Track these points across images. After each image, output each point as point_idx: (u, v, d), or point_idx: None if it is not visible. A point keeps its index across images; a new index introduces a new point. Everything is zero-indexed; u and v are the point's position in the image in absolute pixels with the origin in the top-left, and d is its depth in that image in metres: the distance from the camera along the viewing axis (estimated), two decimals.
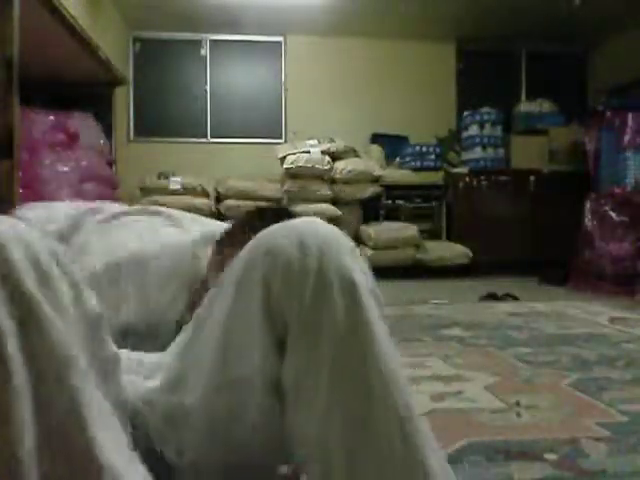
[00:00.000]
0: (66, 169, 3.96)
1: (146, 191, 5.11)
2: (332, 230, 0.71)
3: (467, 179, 5.32)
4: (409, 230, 5.03)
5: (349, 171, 5.17)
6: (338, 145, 5.29)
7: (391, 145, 5.80)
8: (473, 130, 5.39)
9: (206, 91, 5.93)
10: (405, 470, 0.61)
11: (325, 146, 5.22)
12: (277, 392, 0.68)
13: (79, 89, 4.72)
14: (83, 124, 4.34)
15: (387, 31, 5.85)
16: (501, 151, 5.39)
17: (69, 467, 0.50)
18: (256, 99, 5.99)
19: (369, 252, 4.86)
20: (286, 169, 5.13)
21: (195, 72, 5.93)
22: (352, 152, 5.40)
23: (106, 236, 1.08)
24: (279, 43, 6.02)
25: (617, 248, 4.03)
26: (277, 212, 0.96)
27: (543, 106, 5.69)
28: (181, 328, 0.85)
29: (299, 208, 4.90)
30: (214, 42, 5.94)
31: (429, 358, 1.99)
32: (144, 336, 0.94)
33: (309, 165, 5.08)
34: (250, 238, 0.73)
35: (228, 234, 1.04)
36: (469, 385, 1.65)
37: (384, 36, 5.93)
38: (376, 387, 0.63)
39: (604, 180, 4.65)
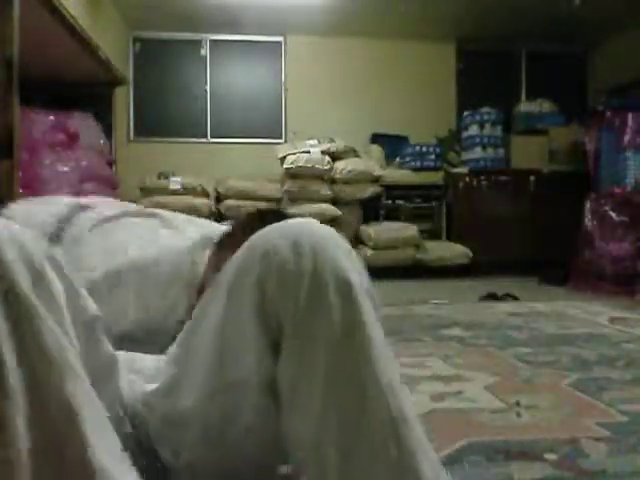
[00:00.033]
0: (66, 169, 3.96)
1: (146, 191, 5.10)
2: (327, 231, 0.70)
3: (467, 179, 5.32)
4: (409, 230, 5.03)
5: (349, 171, 5.17)
6: (338, 145, 5.29)
7: (391, 145, 5.80)
8: (473, 130, 5.39)
9: (206, 91, 5.93)
10: (397, 474, 0.61)
11: (325, 146, 5.22)
12: (272, 393, 0.67)
13: (79, 89, 4.72)
14: (83, 124, 4.34)
15: (387, 31, 5.85)
16: (501, 151, 5.39)
17: (62, 470, 0.50)
18: (256, 99, 5.99)
19: (369, 252, 4.86)
20: (286, 169, 5.13)
21: (195, 72, 5.93)
22: (352, 152, 5.40)
23: (105, 238, 1.08)
24: (279, 43, 6.02)
25: (617, 248, 4.03)
26: (278, 214, 0.96)
27: (543, 106, 5.69)
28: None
29: (299, 208, 4.90)
30: (214, 42, 5.94)
31: (429, 358, 1.99)
32: (142, 342, 0.94)
33: (309, 165, 5.08)
34: None
35: (228, 236, 1.03)
36: (469, 385, 1.65)
37: (384, 36, 5.93)
38: (370, 389, 0.63)
39: (604, 180, 4.65)
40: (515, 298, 3.51)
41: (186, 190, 5.08)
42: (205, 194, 5.17)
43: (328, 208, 5.04)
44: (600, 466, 1.08)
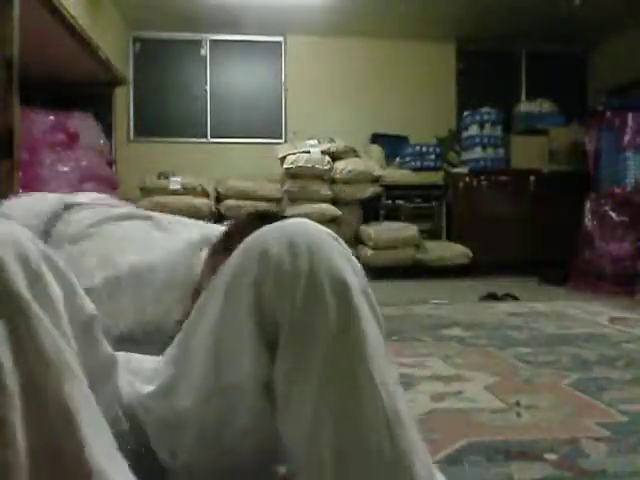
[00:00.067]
0: (66, 169, 3.96)
1: (146, 191, 5.10)
2: (322, 231, 0.70)
3: (467, 179, 5.32)
4: (409, 230, 5.03)
5: (349, 171, 5.17)
6: (338, 145, 5.29)
7: (391, 145, 5.80)
8: (473, 130, 5.39)
9: (206, 91, 5.93)
10: (391, 474, 0.61)
11: (325, 146, 5.22)
12: (269, 396, 0.68)
13: (79, 89, 4.72)
14: (83, 124, 4.34)
15: (387, 31, 5.85)
16: (501, 151, 5.39)
17: (60, 471, 0.49)
18: (256, 99, 5.99)
19: (369, 252, 4.86)
20: (286, 169, 5.13)
21: (195, 72, 5.93)
22: (352, 152, 5.40)
23: (100, 241, 1.06)
24: (279, 43, 6.02)
25: (617, 248, 4.03)
26: (274, 216, 0.95)
27: (543, 106, 5.69)
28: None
29: (299, 208, 4.90)
30: (214, 42, 5.94)
31: (429, 358, 1.99)
32: (141, 343, 0.94)
33: (309, 165, 5.08)
34: None
35: (224, 238, 1.03)
36: (469, 385, 1.65)
37: (384, 36, 5.93)
38: (365, 388, 0.63)
39: (604, 180, 4.65)
40: (515, 298, 3.51)
41: (186, 190, 5.08)
42: (205, 194, 5.17)
43: (328, 208, 5.04)
44: (600, 466, 1.08)
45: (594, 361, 1.93)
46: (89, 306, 0.65)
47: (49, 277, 0.55)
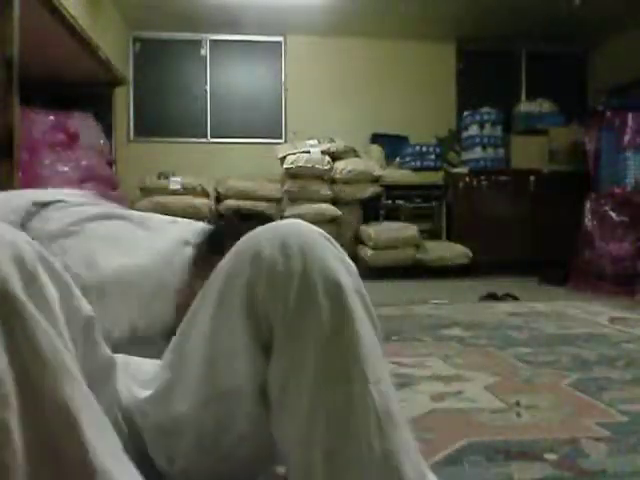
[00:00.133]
0: (66, 169, 3.96)
1: (146, 191, 5.11)
2: (315, 231, 0.70)
3: (467, 179, 5.32)
4: (409, 230, 5.02)
5: (349, 171, 5.17)
6: (338, 145, 5.29)
7: (391, 145, 5.80)
8: (473, 130, 5.39)
9: (206, 91, 5.93)
10: (379, 474, 0.61)
11: (325, 146, 5.22)
12: (265, 400, 0.67)
13: (79, 89, 4.72)
14: (83, 124, 4.35)
15: (387, 31, 5.85)
16: (501, 151, 5.39)
17: (62, 472, 0.49)
18: (256, 99, 5.99)
19: (369, 252, 4.86)
20: (286, 169, 5.13)
21: (195, 72, 5.93)
22: (352, 152, 5.40)
23: (87, 239, 1.02)
24: (279, 43, 6.02)
25: (617, 248, 4.03)
26: (260, 215, 0.94)
27: (543, 106, 5.69)
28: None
29: (299, 208, 4.90)
30: (214, 42, 5.94)
31: (429, 358, 1.99)
32: (140, 343, 0.93)
33: (309, 165, 5.08)
34: None
35: (213, 237, 1.02)
36: (469, 385, 1.65)
37: (384, 36, 5.93)
38: (358, 388, 0.63)
39: (604, 180, 4.65)
40: (515, 298, 3.51)
41: (186, 190, 5.08)
42: (205, 194, 5.18)
43: (328, 208, 5.04)
44: (600, 466, 1.08)
45: (594, 361, 1.93)
46: (86, 307, 0.64)
47: (45, 278, 0.54)
